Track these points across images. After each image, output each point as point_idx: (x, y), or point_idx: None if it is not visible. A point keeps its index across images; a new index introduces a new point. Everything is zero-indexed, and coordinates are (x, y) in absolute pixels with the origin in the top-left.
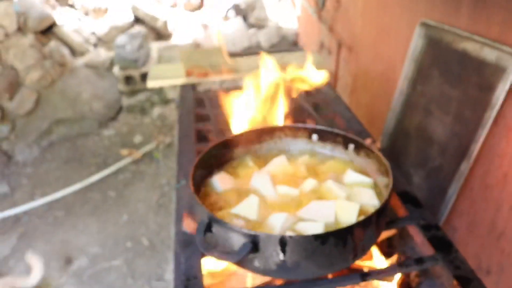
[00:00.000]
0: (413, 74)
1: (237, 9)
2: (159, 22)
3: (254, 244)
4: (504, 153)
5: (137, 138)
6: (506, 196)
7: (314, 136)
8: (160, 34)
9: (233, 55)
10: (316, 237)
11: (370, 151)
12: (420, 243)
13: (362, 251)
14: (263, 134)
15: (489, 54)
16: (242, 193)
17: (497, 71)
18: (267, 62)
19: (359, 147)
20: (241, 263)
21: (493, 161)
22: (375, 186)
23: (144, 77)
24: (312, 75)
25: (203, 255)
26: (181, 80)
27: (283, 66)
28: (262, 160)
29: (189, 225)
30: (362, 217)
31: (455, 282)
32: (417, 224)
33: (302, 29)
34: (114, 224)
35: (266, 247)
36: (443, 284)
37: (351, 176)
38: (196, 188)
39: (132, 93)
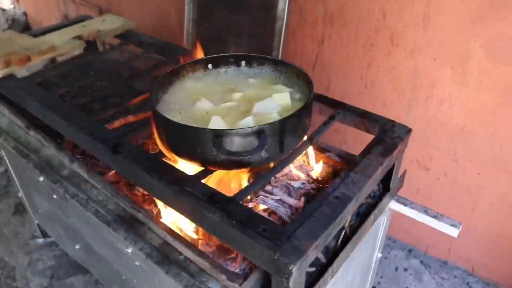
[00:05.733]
0: (195, 15)
1: None
2: None
3: (263, 137)
4: (294, 51)
5: None
6: None
7: (210, 66)
8: None
9: (32, 35)
10: (299, 112)
11: (259, 61)
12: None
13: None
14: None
15: None
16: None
17: None
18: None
19: (249, 61)
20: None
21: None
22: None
23: None
24: None
25: None
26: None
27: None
28: None
29: None
30: (313, 94)
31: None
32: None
33: (30, 7)
34: None
35: (271, 135)
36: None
37: (253, 82)
38: None
39: None
